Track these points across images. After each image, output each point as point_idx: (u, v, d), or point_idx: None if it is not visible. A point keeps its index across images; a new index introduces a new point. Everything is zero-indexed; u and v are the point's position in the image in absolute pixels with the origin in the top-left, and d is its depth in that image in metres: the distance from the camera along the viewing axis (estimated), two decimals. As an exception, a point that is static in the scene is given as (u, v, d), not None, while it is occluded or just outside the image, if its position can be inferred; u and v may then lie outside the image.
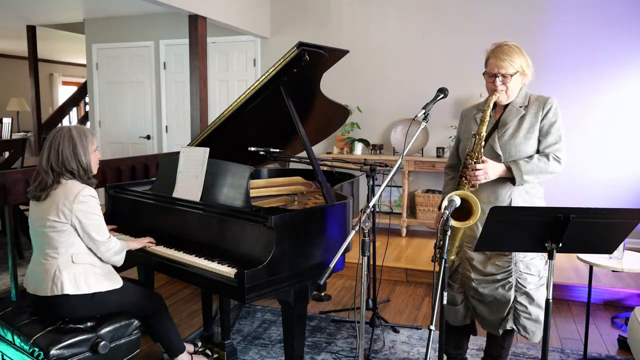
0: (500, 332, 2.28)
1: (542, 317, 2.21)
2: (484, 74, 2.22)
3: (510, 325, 2.23)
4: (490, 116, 2.15)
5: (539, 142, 2.18)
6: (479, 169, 2.10)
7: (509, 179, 2.15)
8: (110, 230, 2.63)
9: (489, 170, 2.11)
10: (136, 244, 2.43)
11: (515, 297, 2.21)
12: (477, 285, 2.25)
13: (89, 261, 2.18)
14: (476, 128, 2.20)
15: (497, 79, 2.13)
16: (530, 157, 2.16)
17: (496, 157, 2.16)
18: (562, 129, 2.18)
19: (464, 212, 2.00)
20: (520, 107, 2.20)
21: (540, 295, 2.22)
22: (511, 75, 2.12)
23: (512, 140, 2.17)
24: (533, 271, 2.23)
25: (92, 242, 2.16)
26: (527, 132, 2.17)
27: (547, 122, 2.17)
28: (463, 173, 2.16)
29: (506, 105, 2.22)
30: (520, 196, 2.20)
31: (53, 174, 2.14)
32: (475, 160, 2.11)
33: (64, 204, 2.09)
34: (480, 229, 1.92)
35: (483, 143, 2.13)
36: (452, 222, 1.93)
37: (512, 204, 2.18)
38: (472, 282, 2.26)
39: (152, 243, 2.46)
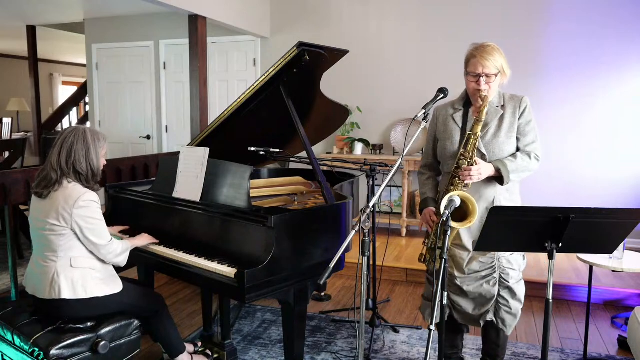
0: (481, 324, 2.34)
1: (519, 311, 2.32)
2: (465, 74, 2.22)
3: (490, 317, 2.30)
4: (475, 118, 2.15)
5: (517, 140, 2.25)
6: (474, 169, 2.11)
7: (495, 178, 2.20)
8: (121, 231, 2.63)
9: (482, 170, 2.14)
10: (139, 241, 2.43)
11: (499, 291, 2.28)
12: (461, 283, 2.29)
13: (89, 265, 2.16)
14: (457, 128, 2.25)
15: (482, 79, 2.15)
16: (514, 155, 2.21)
17: (482, 157, 2.20)
18: (536, 127, 2.26)
19: (459, 213, 2.01)
20: (497, 106, 2.24)
21: (520, 289, 2.31)
22: (495, 75, 2.15)
23: (495, 139, 2.21)
24: (514, 266, 2.30)
25: (93, 245, 2.15)
26: (507, 132, 2.22)
27: (524, 121, 2.24)
28: (456, 173, 2.17)
29: None
30: (502, 194, 2.25)
31: (60, 173, 2.12)
32: (469, 161, 2.13)
33: (64, 208, 2.07)
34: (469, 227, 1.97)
35: (477, 143, 2.14)
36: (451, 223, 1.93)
37: (495, 203, 2.23)
38: (455, 279, 2.30)
39: (154, 241, 2.47)
